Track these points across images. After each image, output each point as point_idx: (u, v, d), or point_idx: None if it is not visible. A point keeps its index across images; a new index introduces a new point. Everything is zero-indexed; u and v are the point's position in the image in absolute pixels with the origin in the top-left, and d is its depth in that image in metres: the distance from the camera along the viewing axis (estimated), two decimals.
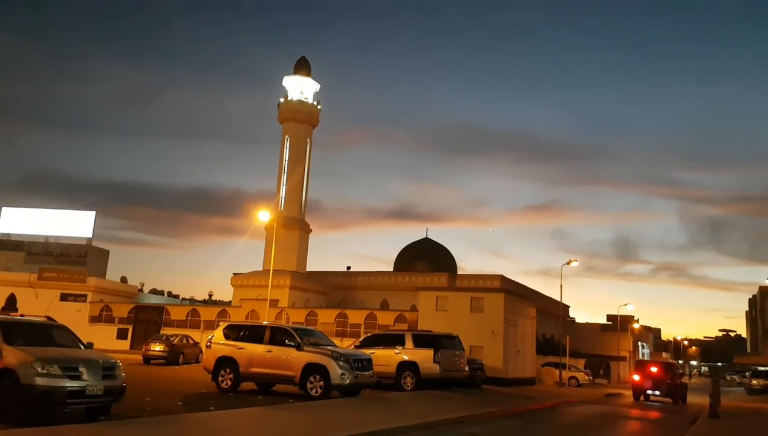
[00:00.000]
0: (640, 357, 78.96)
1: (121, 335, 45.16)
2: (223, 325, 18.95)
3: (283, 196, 52.36)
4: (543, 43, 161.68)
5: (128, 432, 9.79)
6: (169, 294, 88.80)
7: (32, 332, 11.76)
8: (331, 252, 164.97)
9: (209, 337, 18.84)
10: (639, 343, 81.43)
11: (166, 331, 40.85)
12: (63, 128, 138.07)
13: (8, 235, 54.67)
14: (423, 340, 21.79)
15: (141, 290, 65.35)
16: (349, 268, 59.97)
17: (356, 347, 22.27)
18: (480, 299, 30.32)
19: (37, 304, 47.20)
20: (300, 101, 53.74)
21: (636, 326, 72.82)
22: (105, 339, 44.54)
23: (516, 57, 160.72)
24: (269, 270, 44.52)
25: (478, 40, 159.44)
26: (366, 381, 17.20)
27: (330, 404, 14.80)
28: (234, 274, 52.14)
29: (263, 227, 48.23)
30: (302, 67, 55.25)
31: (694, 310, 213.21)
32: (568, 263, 35.94)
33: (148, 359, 31.04)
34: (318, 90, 55.63)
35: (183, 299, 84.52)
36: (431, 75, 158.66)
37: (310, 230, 53.97)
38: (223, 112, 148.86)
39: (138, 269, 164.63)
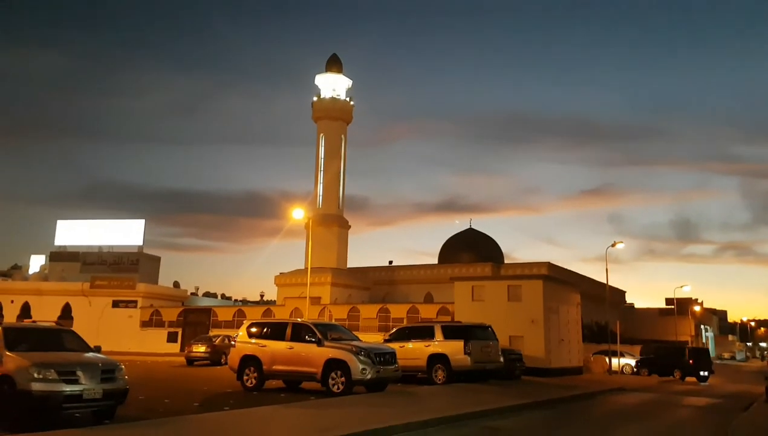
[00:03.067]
0: (704, 342, 75.24)
1: (171, 338, 46.30)
2: (246, 323, 18.84)
3: (321, 193, 52.46)
4: (588, 21, 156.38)
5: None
6: (222, 296, 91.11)
7: (37, 337, 11.82)
8: (380, 248, 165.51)
9: (234, 336, 18.77)
10: (702, 326, 77.60)
11: (214, 332, 41.58)
12: (118, 140, 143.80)
13: (64, 246, 56.97)
14: (453, 331, 21.10)
15: (195, 294, 67.18)
16: (391, 262, 59.69)
17: (386, 340, 21.85)
18: (518, 287, 29.25)
19: (91, 312, 49.15)
20: (333, 99, 53.72)
21: (697, 308, 69.32)
22: (156, 343, 45.90)
23: (559, 38, 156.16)
24: (313, 268, 44.94)
25: (518, 23, 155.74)
26: (390, 375, 16.69)
27: (348, 400, 14.39)
28: (280, 273, 52.74)
29: (303, 226, 48.50)
30: (334, 64, 55.22)
31: (762, 290, 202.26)
32: (613, 245, 34.35)
33: (191, 361, 31.47)
34: (350, 86, 55.53)
35: (235, 300, 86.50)
36: (471, 63, 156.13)
37: (349, 226, 53.90)
38: (267, 114, 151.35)
39: (193, 273, 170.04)
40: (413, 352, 20.83)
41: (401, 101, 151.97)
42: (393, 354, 17.11)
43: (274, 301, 58.15)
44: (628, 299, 75.20)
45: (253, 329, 18.15)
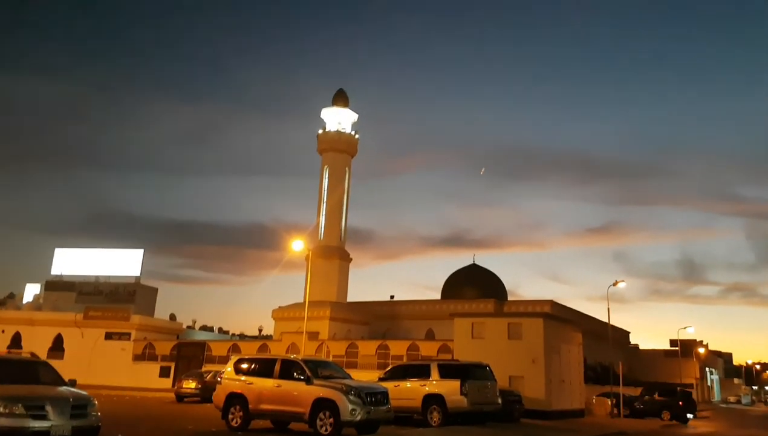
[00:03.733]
0: (709, 385, 73.50)
1: (164, 372, 45.29)
2: (234, 358, 18.13)
3: (323, 225, 52.16)
4: (593, 59, 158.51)
5: None
6: (220, 330, 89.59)
7: (8, 369, 11.26)
8: (385, 282, 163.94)
9: (220, 372, 18.08)
10: (707, 369, 75.95)
11: (208, 367, 40.57)
12: (122, 170, 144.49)
13: (61, 276, 56.34)
14: (449, 370, 20.36)
15: (191, 327, 66.09)
16: (392, 297, 58.86)
17: (381, 379, 21.08)
18: (518, 325, 28.51)
19: (83, 343, 48.22)
20: (338, 132, 54.16)
21: (702, 350, 67.94)
22: (148, 377, 44.86)
23: (565, 74, 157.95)
24: (311, 302, 44.13)
25: (523, 59, 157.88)
26: (381, 417, 15.92)
27: None
28: (279, 307, 51.93)
29: (304, 258, 47.99)
30: (340, 98, 55.87)
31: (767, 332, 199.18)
32: (614, 284, 33.65)
33: (181, 397, 30.52)
34: (356, 120, 56.11)
35: (233, 334, 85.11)
36: (477, 97, 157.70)
37: (350, 259, 53.37)
38: (274, 146, 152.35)
39: (191, 305, 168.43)
40: (408, 392, 20.06)
41: (408, 133, 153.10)
42: (385, 394, 16.37)
43: (272, 336, 57.18)
44: (633, 340, 73.92)
45: (241, 366, 17.43)
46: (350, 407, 14.96)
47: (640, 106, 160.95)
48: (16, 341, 49.45)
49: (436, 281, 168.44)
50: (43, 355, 48.20)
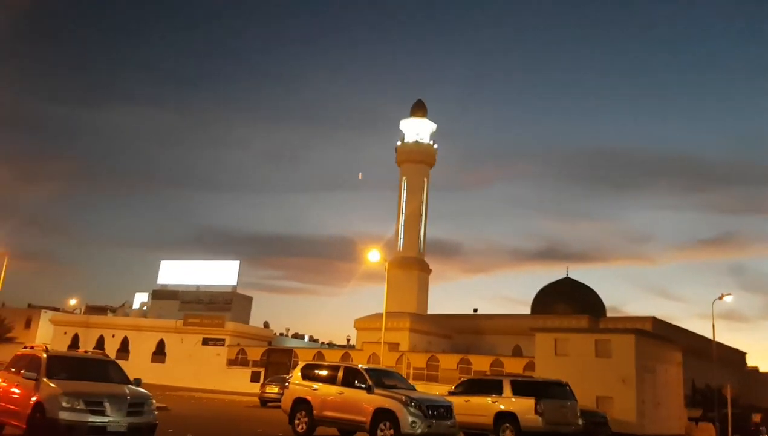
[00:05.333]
0: None
1: (254, 377, 46.89)
2: (301, 364, 18.35)
3: (401, 236, 52.16)
4: (703, 56, 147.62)
5: None
6: (311, 338, 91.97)
7: (79, 366, 11.98)
8: (473, 296, 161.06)
9: (288, 376, 18.35)
10: None
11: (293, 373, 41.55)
12: (218, 189, 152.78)
13: (166, 285, 60.24)
14: (524, 387, 19.31)
15: (284, 335, 68.32)
16: (476, 310, 57.41)
17: (451, 393, 20.46)
18: (606, 342, 26.73)
19: (183, 348, 51.15)
20: (416, 142, 54.18)
21: None
22: (240, 381, 46.70)
23: (666, 69, 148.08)
24: (391, 313, 44.07)
25: (624, 57, 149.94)
26: (444, 431, 15.34)
27: None
28: (361, 317, 52.41)
29: (383, 269, 48.20)
30: (418, 109, 55.94)
31: None
32: (720, 298, 30.85)
33: (264, 401, 31.40)
34: (435, 130, 55.83)
35: (322, 342, 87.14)
36: (570, 100, 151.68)
37: (430, 270, 52.86)
38: (355, 160, 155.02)
39: (285, 314, 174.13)
40: (478, 408, 19.26)
41: (495, 141, 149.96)
42: (449, 408, 15.80)
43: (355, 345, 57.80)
44: (752, 362, 67.22)
45: (308, 371, 17.59)
46: (410, 419, 14.58)
47: (759, 107, 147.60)
48: (124, 344, 53.41)
49: (527, 295, 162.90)
50: (147, 358, 51.90)
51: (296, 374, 17.79)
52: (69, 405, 10.05)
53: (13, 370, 12.10)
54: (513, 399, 18.93)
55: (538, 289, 60.42)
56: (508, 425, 18.62)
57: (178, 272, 59.82)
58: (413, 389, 16.93)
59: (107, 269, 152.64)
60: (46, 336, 59.36)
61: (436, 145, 55.91)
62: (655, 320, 49.27)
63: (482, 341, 51.84)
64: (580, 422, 19.78)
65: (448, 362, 42.82)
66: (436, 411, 15.20)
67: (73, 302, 73.11)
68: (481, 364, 41.71)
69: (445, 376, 40.72)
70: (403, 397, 15.03)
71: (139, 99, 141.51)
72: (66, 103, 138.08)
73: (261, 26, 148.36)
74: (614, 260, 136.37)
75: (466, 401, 19.07)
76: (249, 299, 61.35)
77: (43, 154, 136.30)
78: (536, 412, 18.35)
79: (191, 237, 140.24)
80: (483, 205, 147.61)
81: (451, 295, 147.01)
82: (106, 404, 10.37)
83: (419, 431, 14.59)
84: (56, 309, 68.95)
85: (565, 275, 60.38)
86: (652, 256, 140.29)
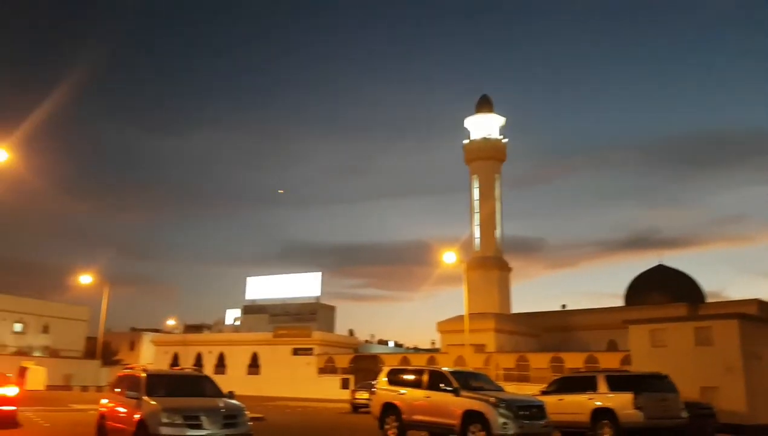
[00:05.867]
0: None
1: (344, 384, 47.65)
2: (386, 369, 18.44)
3: (477, 236, 51.36)
4: None
5: None
6: (396, 344, 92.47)
7: (175, 383, 12.60)
8: (559, 292, 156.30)
9: (373, 382, 18.51)
10: None
11: None
12: (298, 204, 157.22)
13: (254, 300, 62.57)
14: (620, 382, 18.46)
15: (369, 342, 69.20)
16: (564, 306, 55.60)
17: (543, 392, 19.90)
18: (707, 330, 25.04)
19: (275, 359, 52.81)
20: (483, 139, 53.28)
21: None
22: (331, 389, 47.62)
23: (753, 41, 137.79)
24: (473, 314, 43.60)
25: (702, 37, 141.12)
26: (537, 431, 14.94)
27: None
28: (444, 320, 52.08)
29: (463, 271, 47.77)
30: (484, 104, 55.02)
31: None
32: None
33: (356, 407, 31.82)
34: (503, 124, 54.63)
35: (407, 347, 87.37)
36: (648, 80, 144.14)
37: (510, 269, 51.68)
38: (424, 164, 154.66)
39: (369, 322, 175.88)
40: (573, 405, 18.60)
41: (571, 131, 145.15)
42: (541, 407, 15.36)
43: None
44: None
45: (393, 376, 17.69)
46: (501, 420, 14.30)
47: None
48: (220, 359, 55.89)
49: (617, 288, 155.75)
50: (242, 371, 54.03)
51: (382, 379, 17.91)
52: (169, 421, 10.55)
53: (117, 390, 12.90)
54: (610, 395, 18.18)
55: (630, 280, 57.85)
56: (606, 421, 17.88)
57: (265, 287, 61.95)
58: (501, 390, 16.63)
59: (200, 288, 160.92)
60: (149, 356, 63.20)
61: (505, 140, 54.77)
62: (761, 303, 45.95)
63: (573, 337, 50.12)
64: (685, 414, 18.67)
65: (539, 361, 41.70)
66: (527, 411, 14.85)
67: (171, 322, 77.48)
68: (573, 361, 40.33)
69: (536, 375, 39.69)
70: (492, 398, 14.77)
71: (219, 125, 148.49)
72: (152, 133, 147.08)
73: (324, 44, 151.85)
74: (709, 243, 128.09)
75: (560, 400, 18.53)
76: (332, 309, 62.61)
77: (134, 183, 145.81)
78: (635, 406, 17.52)
79: (275, 252, 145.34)
80: (563, 198, 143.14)
81: (536, 293, 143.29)
82: (203, 418, 10.82)
83: (511, 432, 14.27)
84: (156, 330, 73.26)
85: (658, 264, 57.48)
86: (750, 235, 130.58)
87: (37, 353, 56.83)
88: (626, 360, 37.31)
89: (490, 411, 14.44)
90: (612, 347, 47.07)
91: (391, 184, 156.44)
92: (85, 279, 48.23)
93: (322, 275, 60.49)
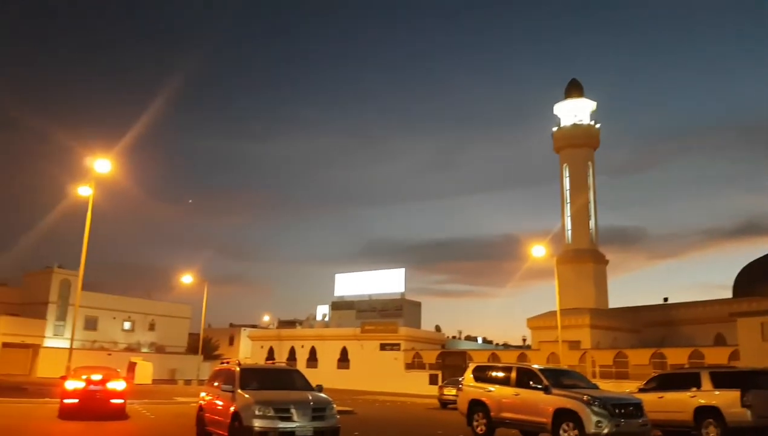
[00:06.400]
0: None
1: (432, 380, 47.63)
2: (472, 366, 18.26)
3: (569, 228, 49.46)
4: None
5: None
6: (484, 340, 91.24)
7: (267, 377, 13.10)
8: (660, 285, 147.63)
9: (459, 378, 18.38)
10: None
11: None
12: (384, 202, 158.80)
13: (342, 297, 63.90)
14: (726, 379, 17.18)
15: (456, 338, 68.72)
16: (666, 299, 52.50)
17: (641, 390, 18.92)
18: None
19: (363, 354, 53.69)
20: (574, 125, 51.11)
21: None
22: (418, 384, 47.77)
23: None
24: (567, 309, 42.22)
25: None
26: (635, 430, 14.23)
27: None
28: (535, 316, 50.77)
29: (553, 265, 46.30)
30: (574, 89, 52.83)
31: None
32: None
33: (444, 403, 31.76)
34: (595, 109, 52.18)
35: (497, 344, 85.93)
36: (746, 62, 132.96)
37: (606, 261, 49.38)
38: (511, 156, 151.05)
39: (456, 317, 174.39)
40: (674, 404, 17.53)
41: (669, 115, 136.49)
42: (638, 406, 14.62)
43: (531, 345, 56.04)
44: None
45: (479, 373, 17.50)
46: (595, 419, 13.77)
47: None
48: (312, 353, 57.63)
49: (726, 278, 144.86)
50: (332, 365, 55.42)
51: (468, 376, 17.77)
52: (261, 413, 10.98)
53: (215, 384, 13.59)
54: (715, 392, 16.99)
55: (739, 270, 53.70)
56: (711, 420, 16.73)
57: (351, 284, 63.12)
58: (596, 387, 16.00)
59: (292, 285, 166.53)
60: (246, 351, 66.24)
61: (598, 126, 52.34)
62: None
63: (676, 332, 47.29)
64: None
65: (639, 357, 39.68)
66: (623, 409, 14.22)
67: (266, 318, 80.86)
68: (676, 357, 38.05)
69: (636, 372, 37.77)
70: (585, 396, 14.25)
71: (308, 128, 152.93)
72: (243, 140, 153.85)
73: (409, 41, 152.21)
74: None
75: (660, 398, 17.56)
76: (418, 305, 62.72)
77: (228, 189, 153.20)
78: (743, 405, 16.27)
79: (362, 249, 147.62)
80: (663, 185, 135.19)
81: (636, 286, 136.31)
82: (293, 411, 11.17)
83: (605, 431, 13.70)
84: (253, 326, 76.65)
85: None
86: None
87: (144, 349, 61.19)
88: (734, 355, 34.69)
89: (583, 409, 13.96)
90: (719, 341, 43.95)
91: (478, 177, 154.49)
92: (187, 279, 51.30)
93: (407, 271, 60.86)
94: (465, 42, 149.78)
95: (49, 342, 54.83)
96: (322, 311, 67.59)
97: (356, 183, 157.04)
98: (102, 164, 25.37)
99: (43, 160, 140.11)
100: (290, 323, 73.92)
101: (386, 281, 60.57)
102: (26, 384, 34.57)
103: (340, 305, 63.19)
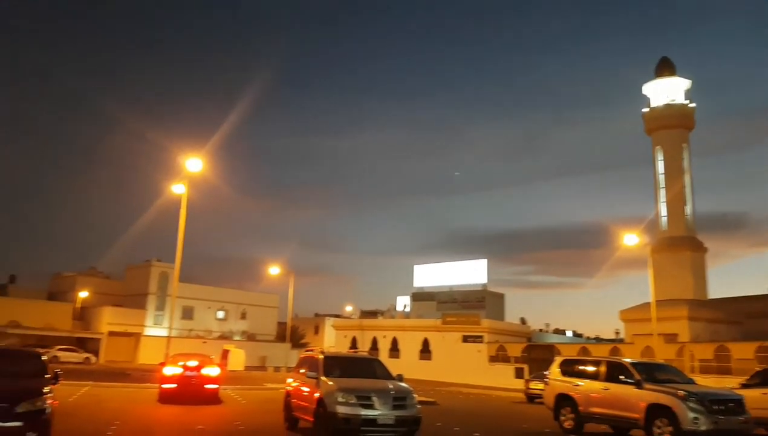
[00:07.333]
0: None
1: (518, 373, 46.68)
2: (558, 359, 17.73)
3: (664, 214, 46.68)
4: None
5: None
6: (574, 333, 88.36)
7: (349, 365, 13.33)
8: (764, 273, 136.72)
9: (546, 372, 17.91)
10: None
11: None
12: (463, 192, 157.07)
13: (422, 288, 63.93)
14: None
15: (544, 330, 67.00)
16: None
17: (744, 385, 17.66)
18: None
19: (444, 346, 53.47)
20: (666, 105, 48.14)
21: None
22: (503, 377, 46.99)
23: None
24: (662, 301, 40.08)
25: None
26: (735, 427, 13.31)
27: None
28: (627, 308, 48.54)
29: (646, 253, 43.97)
30: (665, 68, 49.80)
31: None
32: None
33: (531, 398, 31.11)
34: (689, 87, 48.93)
35: (587, 337, 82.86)
36: None
37: (705, 249, 46.26)
38: (597, 139, 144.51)
39: (542, 310, 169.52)
40: None
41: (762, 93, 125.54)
42: (739, 402, 13.66)
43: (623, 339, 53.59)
44: None
45: (566, 367, 16.96)
46: (691, 415, 13.01)
47: None
48: (394, 344, 58.10)
49: None
50: (414, 356, 55.62)
51: (554, 369, 17.29)
52: (344, 400, 11.20)
53: (301, 371, 14.01)
54: None
55: None
56: None
57: (431, 275, 62.95)
58: (692, 382, 15.11)
59: (373, 276, 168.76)
60: (331, 340, 67.89)
61: (692, 105, 49.07)
62: None
63: None
64: None
65: (742, 351, 37.03)
66: (722, 406, 13.35)
67: (348, 308, 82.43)
68: None
69: (739, 367, 35.29)
70: (681, 391, 13.48)
71: (386, 121, 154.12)
72: (326, 135, 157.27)
73: (487, 25, 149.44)
74: None
75: (764, 394, 16.29)
76: (501, 296, 61.62)
77: (312, 183, 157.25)
78: None
79: (442, 240, 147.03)
80: (766, 166, 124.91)
81: (737, 275, 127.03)
82: (374, 399, 11.30)
83: (703, 427, 12.91)
84: (337, 316, 78.42)
85: None
86: None
87: (236, 337, 64.16)
88: None
89: (678, 405, 13.23)
90: None
91: (563, 163, 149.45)
92: (274, 270, 53.21)
93: (490, 262, 59.91)
94: (545, 24, 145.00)
95: (150, 331, 58.69)
96: (403, 301, 67.93)
97: (434, 174, 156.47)
98: (193, 163, 26.74)
99: (141, 159, 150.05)
100: (372, 314, 74.92)
101: (467, 272, 59.94)
102: (129, 370, 37.19)
103: (420, 296, 63.23)
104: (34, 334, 50.27)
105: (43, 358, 10.65)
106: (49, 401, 8.85)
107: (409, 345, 56.39)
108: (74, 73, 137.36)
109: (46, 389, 9.06)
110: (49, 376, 9.88)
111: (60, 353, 45.94)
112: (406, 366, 46.27)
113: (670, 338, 40.61)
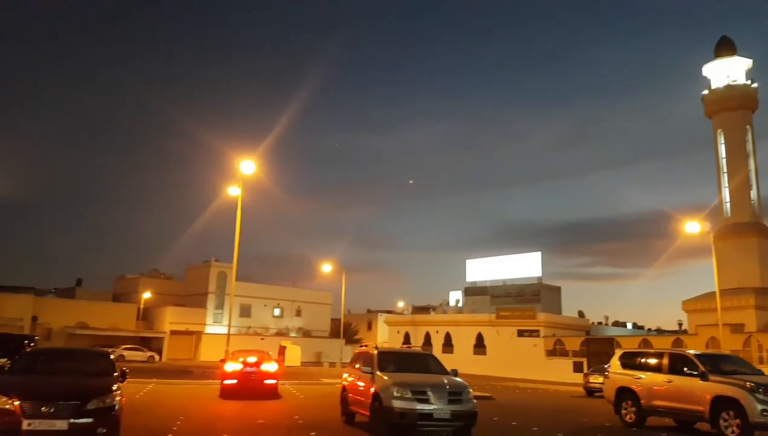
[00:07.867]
0: None
1: (577, 367, 45.68)
2: (618, 352, 17.31)
3: (727, 200, 44.62)
4: None
5: None
6: (634, 325, 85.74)
7: (403, 360, 13.39)
8: None
9: (605, 365, 17.50)
10: None
11: None
12: (515, 184, 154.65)
13: (474, 282, 63.35)
14: None
15: (602, 323, 65.33)
16: None
17: None
18: None
19: (499, 340, 52.86)
20: (727, 86, 45.94)
21: None
22: (561, 372, 46.12)
23: None
24: (727, 290, 38.51)
25: None
26: None
27: None
28: (691, 298, 46.68)
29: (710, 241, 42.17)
30: (725, 47, 47.53)
31: None
32: None
33: (590, 392, 30.48)
34: (750, 66, 46.59)
35: (648, 329, 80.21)
36: None
37: None
38: (655, 125, 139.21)
39: (600, 302, 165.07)
40: None
41: None
42: None
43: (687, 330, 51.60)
44: None
45: (627, 359, 16.56)
46: (760, 407, 12.57)
47: None
48: (447, 339, 57.88)
49: None
50: (468, 351, 55.24)
51: (615, 362, 16.90)
52: (399, 395, 11.26)
53: (356, 366, 14.18)
54: None
55: None
56: None
57: (484, 269, 62.25)
58: (760, 374, 14.47)
59: (424, 272, 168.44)
60: (384, 335, 68.27)
61: (755, 85, 46.74)
62: None
63: None
64: None
65: None
66: None
67: (401, 304, 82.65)
68: None
69: None
70: (748, 383, 12.96)
71: (435, 117, 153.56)
72: (375, 133, 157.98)
73: (536, 13, 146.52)
74: None
75: None
76: (557, 290, 60.30)
77: (362, 181, 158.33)
78: None
79: (495, 234, 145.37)
80: None
81: None
82: (429, 393, 11.32)
83: None
84: (389, 312, 78.79)
85: None
86: None
87: (292, 334, 65.45)
88: None
89: (745, 397, 12.77)
90: None
91: (619, 150, 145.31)
92: (326, 268, 53.94)
93: (544, 255, 58.84)
94: (598, 7, 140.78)
95: (210, 329, 60.57)
96: (455, 296, 67.50)
97: (485, 167, 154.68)
98: (247, 166, 27.39)
99: (199, 163, 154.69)
100: (424, 309, 74.74)
101: (521, 266, 58.96)
102: (191, 367, 38.50)
103: (472, 291, 62.63)
104: (101, 334, 52.72)
105: (112, 357, 11.14)
106: (117, 398, 9.24)
107: (463, 340, 56.05)
108: (131, 75, 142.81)
109: (114, 387, 9.45)
110: (117, 374, 10.32)
111: (125, 352, 48.05)
112: (460, 361, 46.07)
113: (737, 328, 38.90)
